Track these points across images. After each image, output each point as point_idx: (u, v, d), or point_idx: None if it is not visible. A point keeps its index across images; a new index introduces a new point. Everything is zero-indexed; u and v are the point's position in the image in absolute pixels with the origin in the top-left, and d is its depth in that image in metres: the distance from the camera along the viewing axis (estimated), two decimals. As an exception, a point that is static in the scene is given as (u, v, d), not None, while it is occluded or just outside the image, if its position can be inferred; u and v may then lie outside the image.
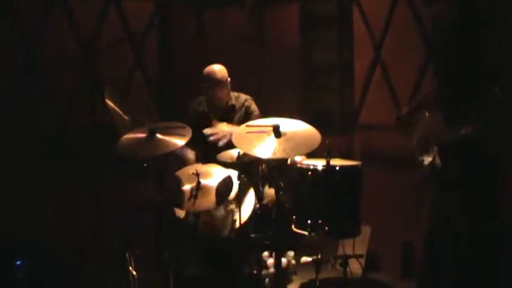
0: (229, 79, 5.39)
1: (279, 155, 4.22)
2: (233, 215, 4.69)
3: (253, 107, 5.46)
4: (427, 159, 4.07)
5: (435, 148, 4.02)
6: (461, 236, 3.85)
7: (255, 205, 4.81)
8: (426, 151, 4.10)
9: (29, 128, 5.70)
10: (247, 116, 5.31)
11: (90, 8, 6.17)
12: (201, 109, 5.50)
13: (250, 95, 5.54)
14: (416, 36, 5.48)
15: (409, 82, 5.59)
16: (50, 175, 5.70)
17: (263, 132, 4.33)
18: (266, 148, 4.22)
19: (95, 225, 5.09)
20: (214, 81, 5.32)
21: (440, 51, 4.16)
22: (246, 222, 4.69)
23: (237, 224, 4.61)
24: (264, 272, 4.98)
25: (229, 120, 5.34)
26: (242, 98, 5.50)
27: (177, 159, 5.04)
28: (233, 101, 5.46)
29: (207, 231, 4.75)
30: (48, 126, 5.84)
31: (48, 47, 5.85)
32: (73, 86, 5.98)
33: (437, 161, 3.97)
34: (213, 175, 4.75)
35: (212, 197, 4.60)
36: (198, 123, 5.28)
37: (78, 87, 5.95)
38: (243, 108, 5.45)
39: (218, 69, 5.36)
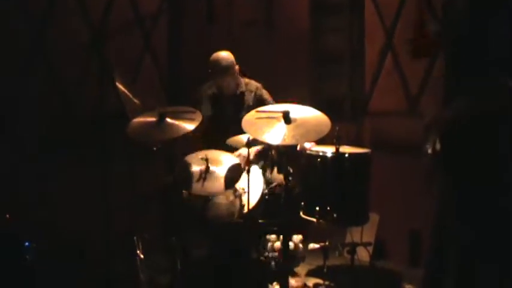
0: (237, 66, 5.37)
1: (289, 141, 4.21)
2: (241, 200, 4.68)
3: (266, 95, 5.44)
4: (430, 146, 4.05)
5: (435, 133, 3.99)
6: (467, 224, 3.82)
7: (263, 190, 4.80)
8: (429, 138, 4.09)
9: (37, 111, 5.70)
10: (260, 105, 5.25)
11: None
12: (210, 92, 5.49)
13: (260, 82, 5.51)
14: (428, 23, 5.45)
15: (420, 69, 5.57)
16: (58, 158, 5.70)
17: (273, 118, 4.32)
18: (276, 134, 4.21)
19: (103, 209, 5.10)
20: (221, 68, 5.30)
21: (451, 39, 4.12)
22: (254, 207, 4.69)
23: (245, 209, 4.61)
24: (270, 255, 4.99)
25: (239, 107, 5.32)
26: (253, 86, 5.47)
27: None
28: (243, 88, 5.44)
29: (215, 215, 4.75)
30: (57, 109, 5.83)
31: (57, 30, 5.83)
32: (82, 69, 5.97)
33: (438, 146, 3.94)
34: (222, 162, 4.74)
35: (221, 182, 4.60)
36: (210, 105, 5.30)
37: (87, 71, 5.93)
38: (254, 96, 5.43)
39: (225, 56, 5.34)
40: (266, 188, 4.93)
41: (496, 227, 3.67)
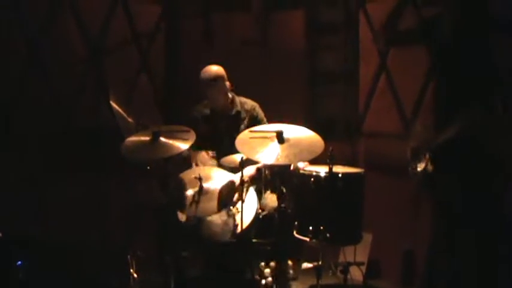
0: (227, 82, 5.36)
1: (282, 161, 4.23)
2: (235, 220, 4.69)
3: (261, 115, 5.43)
4: (420, 166, 4.09)
5: (427, 155, 4.04)
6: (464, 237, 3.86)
7: (257, 210, 4.81)
8: (419, 159, 4.13)
9: (32, 126, 5.69)
10: (255, 125, 5.18)
11: (96, 8, 6.16)
12: (205, 112, 5.48)
13: (256, 101, 5.52)
14: (421, 44, 5.48)
15: (414, 90, 5.59)
16: (52, 174, 5.70)
17: (266, 138, 4.34)
18: (269, 154, 4.23)
19: (97, 226, 5.10)
20: (207, 81, 5.30)
21: (440, 55, 4.18)
22: (247, 226, 4.70)
23: (239, 229, 4.62)
24: (263, 280, 4.99)
25: (236, 128, 5.28)
26: (249, 105, 5.46)
27: (180, 162, 5.05)
28: (238, 108, 5.44)
29: (209, 235, 4.76)
30: (52, 125, 5.83)
31: (54, 46, 5.84)
32: (78, 86, 5.98)
33: (429, 167, 3.99)
34: (216, 178, 4.76)
35: (214, 202, 4.61)
36: (203, 126, 5.31)
37: (83, 87, 5.94)
38: (250, 116, 5.42)
39: (213, 69, 5.34)
40: (260, 208, 4.93)
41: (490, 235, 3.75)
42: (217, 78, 5.32)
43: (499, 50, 3.86)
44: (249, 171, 5.02)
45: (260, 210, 4.88)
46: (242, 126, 5.31)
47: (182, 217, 4.76)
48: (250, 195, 4.81)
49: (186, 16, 6.80)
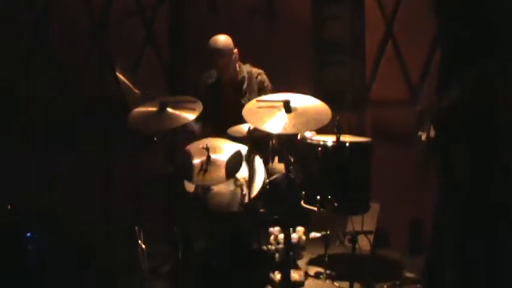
0: (235, 50, 5.35)
1: (289, 130, 4.21)
2: (242, 190, 4.69)
3: (267, 82, 5.43)
4: (424, 134, 4.04)
5: (430, 121, 3.98)
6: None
7: (264, 180, 4.81)
8: (423, 126, 4.08)
9: (38, 100, 5.69)
10: (260, 91, 5.30)
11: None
12: (210, 81, 5.48)
13: (261, 69, 5.52)
14: (428, 11, 5.43)
15: (421, 57, 5.56)
16: (59, 148, 5.70)
17: (273, 107, 4.32)
18: (276, 123, 4.21)
19: (104, 198, 5.11)
20: (215, 50, 5.29)
21: (443, 16, 4.08)
22: (255, 196, 4.70)
23: (247, 199, 4.62)
24: (273, 247, 5.01)
25: (240, 93, 5.34)
26: (254, 72, 5.46)
27: (187, 133, 5.04)
28: (244, 74, 5.43)
29: (216, 205, 4.76)
30: (58, 98, 5.82)
31: (58, 19, 5.82)
32: (83, 59, 5.96)
33: (432, 133, 3.92)
34: (223, 150, 4.74)
35: (222, 171, 4.60)
36: (208, 96, 5.29)
37: (88, 60, 5.92)
38: (256, 82, 5.42)
39: (221, 39, 5.33)
40: (267, 178, 4.93)
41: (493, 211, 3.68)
42: (225, 48, 5.31)
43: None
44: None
45: (267, 178, 4.87)
46: (247, 91, 5.35)
47: (190, 188, 4.76)
48: (258, 163, 4.80)
49: (190, -14, 6.75)
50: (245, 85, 5.40)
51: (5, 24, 5.44)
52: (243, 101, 4.95)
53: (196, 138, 5.03)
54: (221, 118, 5.18)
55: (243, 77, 5.42)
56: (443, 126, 3.79)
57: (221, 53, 5.29)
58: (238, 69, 5.44)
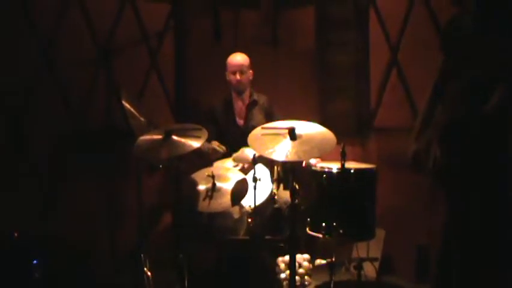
0: (251, 71, 5.69)
1: (293, 157, 4.23)
2: (248, 217, 4.69)
3: (275, 109, 5.68)
4: (429, 163, 4.03)
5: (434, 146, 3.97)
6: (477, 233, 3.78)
7: (272, 190, 4.94)
8: (429, 155, 4.06)
9: (44, 127, 5.70)
10: (269, 116, 5.54)
11: (105, 8, 6.17)
12: (222, 103, 5.76)
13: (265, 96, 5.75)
14: (433, 38, 5.46)
15: (425, 84, 5.56)
16: (65, 174, 5.71)
17: (279, 134, 4.34)
18: (281, 150, 4.22)
19: (109, 225, 5.11)
20: (237, 65, 5.65)
21: (457, 56, 4.10)
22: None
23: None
24: (280, 275, 5.00)
25: (251, 115, 5.61)
26: (262, 97, 5.75)
27: (194, 160, 5.07)
28: (255, 97, 5.71)
29: (222, 232, 4.76)
30: (64, 125, 5.84)
31: (65, 46, 5.85)
32: (89, 86, 5.99)
33: (438, 154, 3.91)
34: (229, 178, 4.76)
35: (227, 198, 4.61)
36: (223, 116, 5.65)
37: (94, 88, 5.95)
38: (264, 107, 5.68)
39: (242, 55, 5.72)
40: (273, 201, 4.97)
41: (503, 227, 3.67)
42: (246, 64, 5.67)
43: None
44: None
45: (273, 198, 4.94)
46: (258, 114, 5.62)
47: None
48: (264, 174, 4.87)
49: (194, 14, 6.79)
50: (255, 108, 5.65)
51: (11, 49, 5.47)
52: (250, 126, 5.07)
53: (215, 157, 5.13)
54: (228, 143, 5.30)
55: (255, 100, 5.69)
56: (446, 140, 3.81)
57: (242, 68, 5.62)
58: (251, 90, 5.73)
